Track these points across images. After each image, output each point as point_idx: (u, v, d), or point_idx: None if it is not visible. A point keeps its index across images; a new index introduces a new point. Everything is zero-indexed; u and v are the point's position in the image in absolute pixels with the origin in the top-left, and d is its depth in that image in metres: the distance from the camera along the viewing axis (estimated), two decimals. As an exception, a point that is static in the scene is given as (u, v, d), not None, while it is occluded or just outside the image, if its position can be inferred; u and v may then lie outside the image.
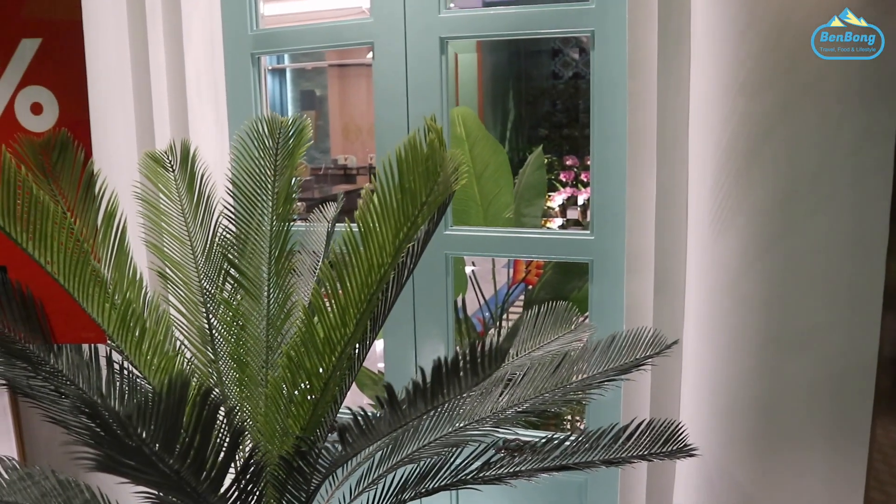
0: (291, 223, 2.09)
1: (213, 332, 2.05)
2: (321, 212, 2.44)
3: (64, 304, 1.72)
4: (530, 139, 10.45)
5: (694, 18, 2.04)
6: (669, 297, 2.22)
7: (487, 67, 10.40)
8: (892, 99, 1.67)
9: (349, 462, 1.79)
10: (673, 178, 2.15)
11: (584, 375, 1.86)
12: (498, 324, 4.10)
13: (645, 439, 1.81)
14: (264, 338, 2.01)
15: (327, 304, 1.53)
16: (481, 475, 1.79)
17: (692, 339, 2.13)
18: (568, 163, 7.91)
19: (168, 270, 2.09)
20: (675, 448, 1.81)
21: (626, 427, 1.81)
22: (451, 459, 1.83)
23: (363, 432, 1.44)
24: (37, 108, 2.15)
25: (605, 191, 2.41)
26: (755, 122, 1.82)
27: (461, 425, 1.81)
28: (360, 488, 1.89)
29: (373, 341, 1.71)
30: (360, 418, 1.41)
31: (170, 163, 2.14)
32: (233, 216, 2.09)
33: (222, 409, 1.37)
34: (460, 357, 1.25)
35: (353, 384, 1.77)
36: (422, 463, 1.85)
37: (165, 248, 2.10)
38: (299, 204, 2.10)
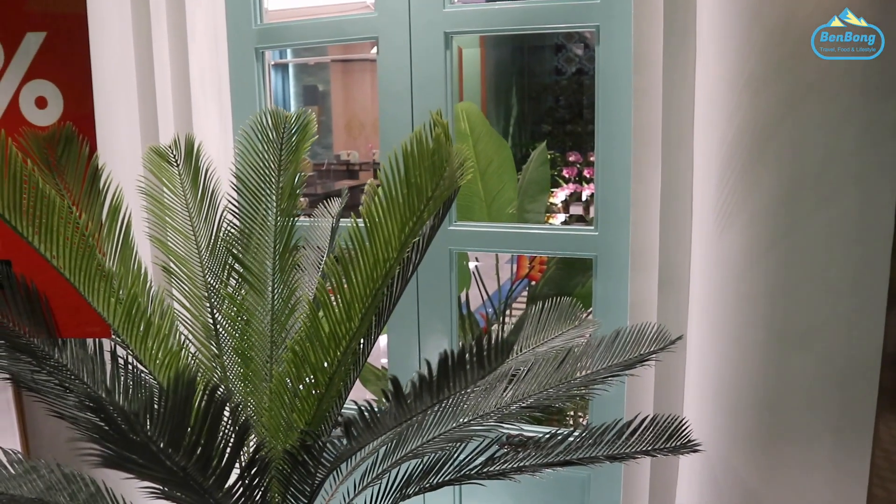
0: (296, 218, 2.09)
1: (218, 327, 2.05)
2: (325, 207, 2.44)
3: (69, 298, 1.72)
4: (533, 135, 10.44)
5: (699, 14, 2.03)
6: (674, 293, 2.22)
7: (490, 63, 10.39)
8: (897, 95, 1.67)
9: (353, 457, 1.79)
10: (677, 173, 2.15)
11: (588, 371, 1.86)
12: (501, 319, 4.10)
13: (648, 435, 1.81)
14: (269, 333, 2.01)
15: (332, 299, 1.53)
16: (485, 470, 1.79)
17: (696, 335, 2.13)
18: (571, 159, 7.91)
19: (172, 265, 2.09)
20: (678, 444, 1.81)
21: (630, 423, 1.82)
22: (456, 454, 1.83)
23: (368, 426, 1.44)
24: (41, 102, 2.15)
25: (610, 186, 2.40)
26: (760, 118, 1.82)
27: (465, 420, 1.81)
28: (365, 483, 1.89)
29: (378, 336, 1.70)
30: (365, 412, 1.41)
31: (174, 157, 2.14)
32: (237, 211, 2.09)
33: (228, 404, 1.37)
34: (466, 350, 1.24)
35: (357, 380, 1.77)
36: (426, 458, 1.85)
37: (170, 243, 2.10)
38: (302, 200, 2.10)
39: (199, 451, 1.26)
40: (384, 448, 1.89)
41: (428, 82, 2.57)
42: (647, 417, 1.81)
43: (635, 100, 2.22)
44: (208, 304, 2.07)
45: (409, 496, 1.84)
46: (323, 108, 12.65)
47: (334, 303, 1.52)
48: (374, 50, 2.67)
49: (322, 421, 1.65)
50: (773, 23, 1.77)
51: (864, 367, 1.73)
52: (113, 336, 1.77)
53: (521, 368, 1.86)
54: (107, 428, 1.23)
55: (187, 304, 2.08)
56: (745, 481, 1.94)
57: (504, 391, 1.82)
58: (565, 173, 7.32)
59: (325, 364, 1.57)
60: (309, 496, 1.68)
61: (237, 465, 1.41)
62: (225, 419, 1.37)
